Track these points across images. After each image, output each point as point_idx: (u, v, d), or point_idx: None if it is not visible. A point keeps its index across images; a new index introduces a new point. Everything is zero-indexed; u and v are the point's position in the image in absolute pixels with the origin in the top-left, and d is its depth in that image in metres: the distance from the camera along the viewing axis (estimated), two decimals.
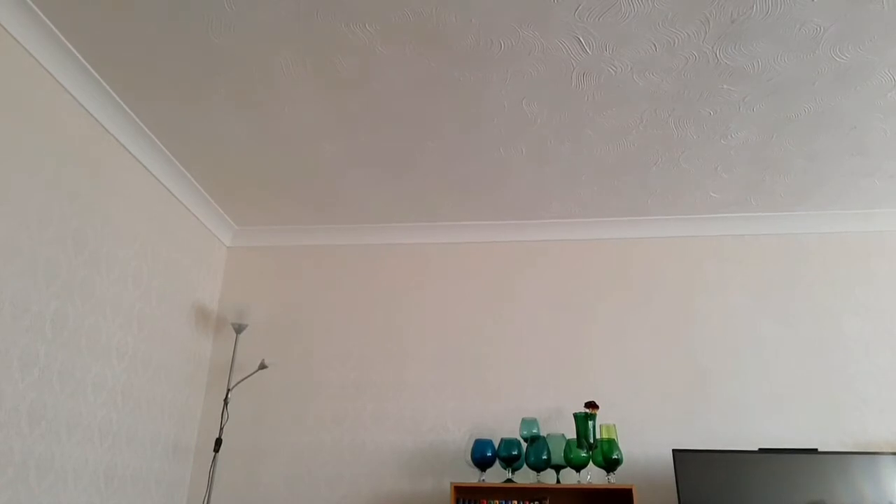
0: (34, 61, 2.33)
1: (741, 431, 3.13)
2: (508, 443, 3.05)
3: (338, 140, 2.96)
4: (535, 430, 3.07)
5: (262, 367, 3.36)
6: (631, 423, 3.14)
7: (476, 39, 2.33)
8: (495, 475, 3.05)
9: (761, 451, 2.90)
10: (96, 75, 2.55)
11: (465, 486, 2.98)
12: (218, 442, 3.29)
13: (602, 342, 3.43)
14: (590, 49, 2.36)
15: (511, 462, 3.01)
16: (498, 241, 3.71)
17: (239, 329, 3.45)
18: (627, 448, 3.06)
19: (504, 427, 3.20)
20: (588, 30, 2.27)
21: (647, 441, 3.13)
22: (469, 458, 3.09)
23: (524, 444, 3.06)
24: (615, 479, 2.94)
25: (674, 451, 2.89)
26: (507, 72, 2.49)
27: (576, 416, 3.02)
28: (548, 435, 3.07)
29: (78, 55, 2.45)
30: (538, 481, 3.02)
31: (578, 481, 2.97)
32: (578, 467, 2.96)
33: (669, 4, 2.15)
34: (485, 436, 3.15)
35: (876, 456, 2.84)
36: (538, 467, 3.00)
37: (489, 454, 3.05)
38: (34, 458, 2.30)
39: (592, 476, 2.99)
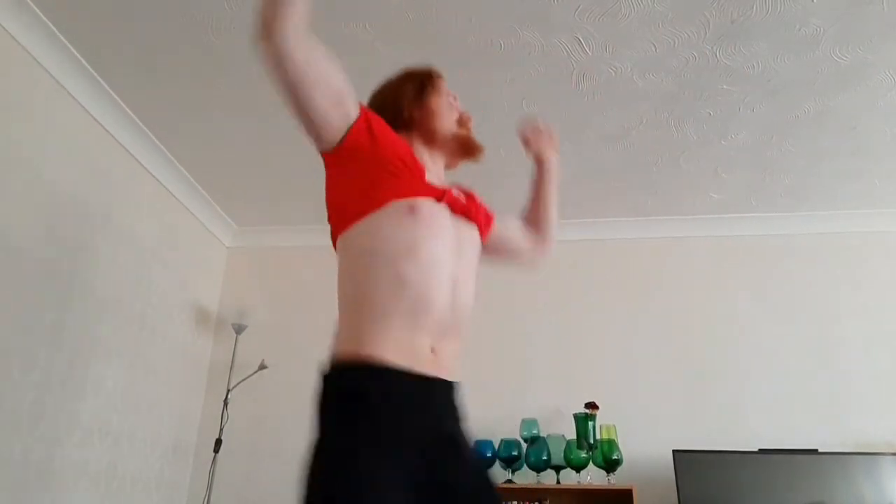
0: (33, 61, 2.33)
1: (741, 431, 3.13)
2: (508, 443, 3.05)
3: None
4: (534, 431, 3.06)
5: (262, 367, 3.36)
6: (631, 423, 3.14)
7: (476, 40, 2.33)
8: (495, 476, 3.04)
9: (761, 451, 2.90)
10: (96, 75, 2.55)
11: None
12: (218, 442, 3.29)
13: (602, 342, 3.42)
14: (590, 49, 2.36)
15: (511, 463, 3.01)
16: None
17: (239, 329, 3.44)
18: (627, 448, 3.06)
19: (504, 428, 3.19)
20: (588, 30, 2.27)
21: (647, 441, 3.13)
22: None
23: (524, 445, 3.06)
24: (615, 480, 2.93)
25: (674, 451, 2.89)
26: (507, 72, 2.49)
27: (576, 416, 3.02)
28: (548, 435, 3.07)
29: (78, 55, 2.44)
30: (538, 482, 3.02)
31: (578, 482, 2.97)
32: (578, 468, 2.96)
33: (669, 5, 2.15)
34: (484, 436, 3.15)
35: (876, 456, 2.83)
36: (538, 468, 3.00)
37: (489, 455, 3.05)
38: (34, 460, 2.30)
39: (592, 477, 2.99)
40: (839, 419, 3.12)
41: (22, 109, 2.29)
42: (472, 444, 1.31)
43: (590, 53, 2.38)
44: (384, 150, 1.27)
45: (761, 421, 3.15)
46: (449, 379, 1.29)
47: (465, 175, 3.44)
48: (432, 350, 1.25)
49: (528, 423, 3.09)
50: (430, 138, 1.45)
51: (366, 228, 1.28)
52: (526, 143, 1.68)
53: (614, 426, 3.03)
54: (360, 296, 1.27)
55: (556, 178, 1.71)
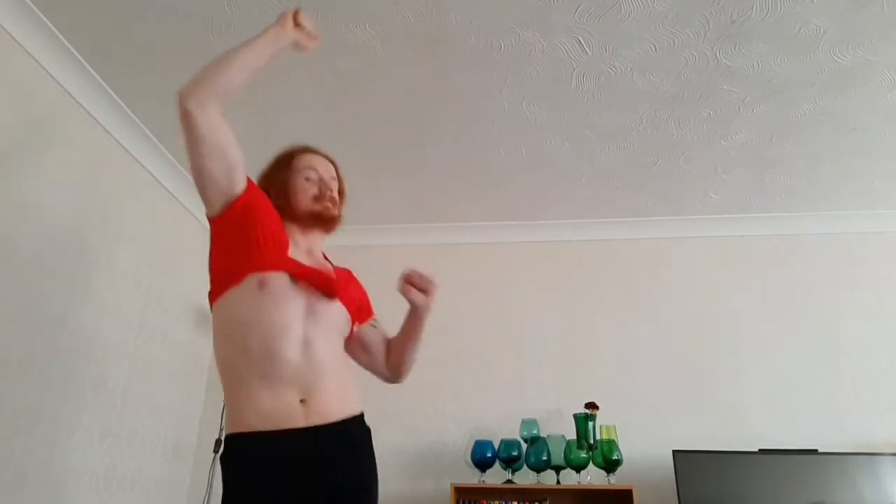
0: (33, 62, 2.33)
1: (741, 432, 3.13)
2: (508, 444, 3.05)
3: (337, 141, 2.95)
4: (535, 431, 3.06)
5: None
6: (631, 423, 3.14)
7: (476, 40, 2.33)
8: (495, 476, 3.04)
9: (761, 451, 2.90)
10: (96, 76, 2.55)
11: (465, 487, 2.98)
12: (218, 443, 3.29)
13: (602, 343, 3.42)
14: (590, 50, 2.36)
15: (511, 463, 3.01)
16: (498, 242, 3.71)
17: None
18: (627, 449, 3.06)
19: (504, 428, 3.20)
20: (588, 31, 2.27)
21: (647, 441, 3.13)
22: (469, 458, 3.09)
23: (524, 445, 3.06)
24: (615, 480, 2.93)
25: (674, 451, 2.89)
26: (508, 73, 2.49)
27: (576, 416, 3.02)
28: (548, 436, 3.07)
29: (77, 55, 2.44)
30: (538, 482, 3.02)
31: (578, 482, 2.97)
32: (578, 468, 2.96)
33: (669, 5, 2.15)
34: (485, 437, 3.15)
35: (876, 457, 2.83)
36: (538, 468, 3.00)
37: (489, 455, 3.05)
38: (33, 460, 2.30)
39: (592, 477, 2.99)
40: (839, 419, 3.12)
41: (21, 110, 2.29)
42: (368, 476, 1.56)
43: (590, 54, 2.38)
44: (253, 226, 1.48)
45: (761, 421, 3.15)
46: (333, 421, 1.43)
47: (463, 182, 3.45)
48: (302, 401, 1.40)
49: (528, 423, 3.09)
50: (292, 217, 1.64)
51: (225, 303, 1.47)
52: (406, 289, 1.75)
53: (614, 426, 3.03)
54: (225, 363, 1.46)
55: (423, 324, 1.80)
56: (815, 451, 2.89)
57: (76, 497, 2.51)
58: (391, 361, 1.84)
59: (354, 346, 1.80)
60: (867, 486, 2.76)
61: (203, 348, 3.55)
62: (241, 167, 1.49)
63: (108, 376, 2.72)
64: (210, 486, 3.24)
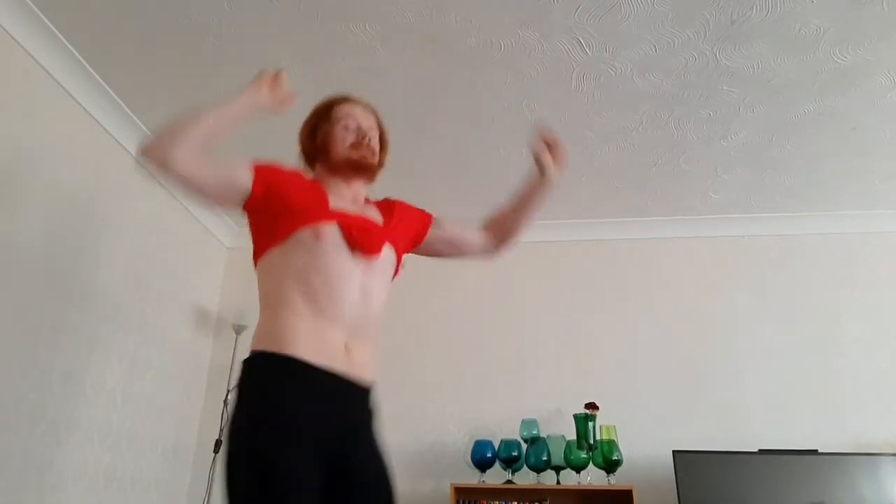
0: (33, 61, 2.33)
1: (741, 432, 3.13)
2: (508, 444, 3.05)
3: None
4: (535, 432, 3.06)
5: None
6: (631, 423, 3.14)
7: (476, 40, 2.33)
8: (495, 476, 3.04)
9: (761, 451, 2.90)
10: (96, 76, 2.55)
11: (465, 488, 2.98)
12: (218, 443, 3.29)
13: (602, 343, 3.42)
14: (590, 50, 2.36)
15: (511, 463, 3.01)
16: None
17: (239, 330, 3.44)
18: (627, 449, 3.06)
19: (504, 428, 3.20)
20: (588, 31, 2.27)
21: (647, 442, 3.13)
22: (469, 459, 3.09)
23: (524, 446, 3.06)
24: (615, 481, 2.93)
25: (674, 451, 2.89)
26: (508, 73, 2.49)
27: (576, 417, 3.02)
28: (548, 436, 3.07)
29: (77, 55, 2.44)
30: (538, 482, 3.02)
31: (578, 482, 2.97)
32: (578, 468, 2.96)
33: (669, 5, 2.15)
34: (485, 437, 3.15)
35: (876, 457, 2.83)
36: (538, 468, 3.00)
37: (489, 455, 3.05)
38: (34, 460, 2.30)
39: (592, 477, 2.99)
40: (839, 419, 3.12)
41: (22, 110, 2.29)
42: (378, 442, 1.45)
43: (590, 54, 2.38)
44: (282, 198, 1.46)
45: (761, 421, 3.15)
46: (361, 382, 1.42)
47: (463, 182, 3.45)
48: (346, 347, 1.38)
49: (528, 423, 3.08)
50: (329, 167, 1.61)
51: (275, 255, 1.46)
52: (540, 150, 1.69)
53: (614, 426, 3.03)
54: (277, 304, 1.42)
55: (548, 192, 1.73)
56: (815, 452, 2.89)
57: (76, 497, 2.51)
58: (499, 232, 1.81)
59: (437, 248, 1.79)
60: (867, 486, 2.76)
61: (203, 348, 3.55)
62: (238, 175, 1.45)
63: (108, 376, 2.72)
64: (210, 486, 3.23)
